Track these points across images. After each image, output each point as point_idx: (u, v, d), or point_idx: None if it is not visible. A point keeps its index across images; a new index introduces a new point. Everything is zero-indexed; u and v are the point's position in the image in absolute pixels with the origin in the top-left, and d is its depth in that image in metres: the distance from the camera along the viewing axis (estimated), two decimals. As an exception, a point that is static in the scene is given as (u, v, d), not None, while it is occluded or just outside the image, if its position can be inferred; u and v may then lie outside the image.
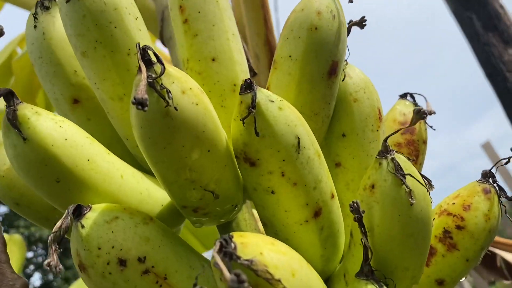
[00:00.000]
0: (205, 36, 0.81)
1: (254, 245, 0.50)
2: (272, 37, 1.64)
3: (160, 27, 1.32)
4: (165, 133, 0.57)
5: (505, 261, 2.39)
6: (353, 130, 0.79)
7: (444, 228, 0.77)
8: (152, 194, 0.73)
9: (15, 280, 0.71)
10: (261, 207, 0.69)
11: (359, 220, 0.63)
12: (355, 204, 0.62)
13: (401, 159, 0.64)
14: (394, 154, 0.64)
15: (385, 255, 0.65)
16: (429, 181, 0.65)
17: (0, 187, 0.75)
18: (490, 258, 2.43)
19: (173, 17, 0.83)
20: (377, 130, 0.80)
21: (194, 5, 0.81)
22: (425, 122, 0.94)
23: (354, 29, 0.80)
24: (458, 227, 0.76)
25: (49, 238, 0.57)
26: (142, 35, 0.72)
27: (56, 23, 0.78)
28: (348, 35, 0.79)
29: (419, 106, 0.96)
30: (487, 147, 5.16)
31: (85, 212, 0.62)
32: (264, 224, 0.72)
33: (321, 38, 0.72)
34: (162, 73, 0.55)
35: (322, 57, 0.72)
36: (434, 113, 0.92)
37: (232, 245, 0.49)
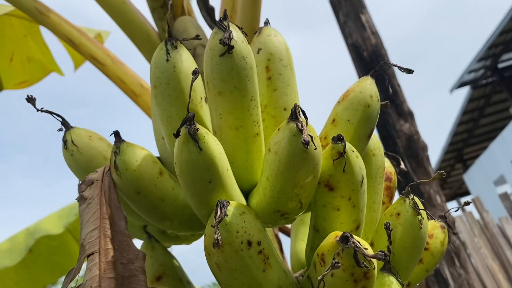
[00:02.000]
0: (281, 92, 1.13)
1: (361, 241, 0.84)
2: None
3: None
4: (302, 162, 0.88)
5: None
6: (370, 174, 1.17)
7: (415, 248, 1.17)
8: (242, 199, 1.02)
9: (138, 251, 0.93)
10: (322, 219, 1.03)
11: (389, 235, 0.99)
12: (388, 224, 0.99)
13: (416, 200, 1.03)
14: (414, 196, 1.03)
15: (398, 258, 1.03)
16: (430, 215, 1.05)
17: (131, 178, 0.97)
18: None
19: (259, 73, 1.13)
20: (382, 177, 1.19)
21: (277, 68, 1.13)
22: (398, 174, 1.36)
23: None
24: (425, 249, 1.17)
25: (215, 221, 0.84)
26: (257, 87, 1.02)
27: (183, 60, 1.04)
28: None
29: (394, 162, 1.37)
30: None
31: (227, 206, 0.89)
32: (316, 230, 1.05)
33: (371, 113, 1.09)
34: (306, 124, 0.88)
35: (368, 125, 1.10)
36: (405, 169, 1.35)
37: (355, 241, 0.82)
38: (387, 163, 1.35)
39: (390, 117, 3.52)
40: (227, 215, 0.88)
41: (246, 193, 1.08)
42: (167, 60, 1.03)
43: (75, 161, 1.10)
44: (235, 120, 1.00)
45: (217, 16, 1.70)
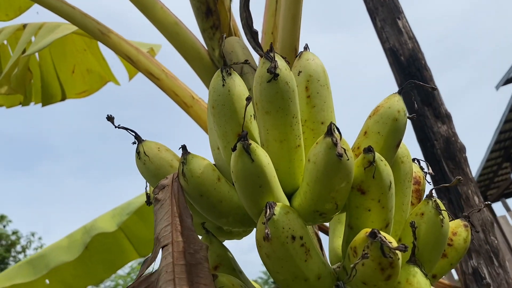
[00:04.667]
0: (319, 108, 1.31)
1: (387, 236, 1.01)
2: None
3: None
4: (336, 170, 1.06)
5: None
6: (399, 179, 1.33)
7: (440, 244, 1.33)
8: (286, 201, 1.21)
9: (202, 243, 1.14)
10: (355, 218, 1.20)
11: (414, 232, 1.16)
12: (413, 222, 1.16)
13: (438, 201, 1.19)
14: (436, 198, 1.19)
15: (422, 252, 1.19)
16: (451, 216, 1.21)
17: (196, 183, 1.18)
18: None
19: (299, 92, 1.32)
20: (410, 181, 1.35)
21: (315, 88, 1.32)
22: (425, 178, 1.51)
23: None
24: (449, 245, 1.32)
25: (265, 219, 1.03)
26: (298, 106, 1.21)
27: (236, 85, 1.24)
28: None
29: (422, 167, 1.53)
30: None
31: (274, 206, 1.08)
32: (350, 228, 1.23)
33: (399, 126, 1.26)
34: (340, 138, 1.06)
35: (396, 137, 1.26)
36: (433, 173, 1.50)
37: (381, 235, 0.99)
38: (416, 168, 1.51)
39: (428, 120, 3.61)
40: (274, 214, 1.07)
41: (289, 196, 1.26)
42: (223, 85, 1.23)
43: (147, 169, 1.32)
44: (279, 134, 1.19)
45: (260, 37, 1.89)
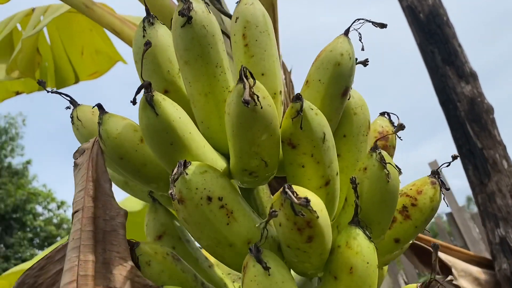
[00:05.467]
0: (259, 57, 1.18)
1: (303, 192, 0.88)
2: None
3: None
4: (250, 121, 0.93)
5: (439, 259, 2.90)
6: (351, 133, 1.18)
7: (403, 204, 1.17)
8: (218, 160, 1.09)
9: (119, 209, 1.05)
10: (292, 176, 1.07)
11: (354, 189, 1.01)
12: (353, 178, 1.01)
13: (384, 154, 1.03)
14: (380, 150, 1.03)
15: (367, 212, 1.04)
16: (399, 169, 1.05)
17: (113, 145, 1.09)
18: (427, 254, 2.92)
19: (236, 41, 1.19)
20: (366, 135, 1.20)
21: (253, 35, 1.18)
22: (396, 134, 1.34)
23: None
24: (413, 205, 1.16)
25: (171, 176, 0.92)
26: (224, 54, 1.08)
27: (159, 35, 1.12)
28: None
29: (392, 121, 1.36)
30: (434, 165, 5.73)
31: (188, 165, 0.97)
32: (290, 188, 1.09)
33: (341, 71, 1.10)
34: (254, 84, 0.92)
35: (340, 84, 1.11)
36: (405, 127, 1.33)
37: (294, 190, 0.86)
38: (385, 122, 1.34)
39: (450, 80, 3.33)
40: (187, 174, 0.96)
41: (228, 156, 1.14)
42: (143, 36, 1.12)
43: (80, 134, 1.24)
44: (202, 87, 1.07)
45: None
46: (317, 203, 0.89)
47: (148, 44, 1.01)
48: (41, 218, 20.27)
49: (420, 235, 2.98)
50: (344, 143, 1.19)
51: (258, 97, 0.92)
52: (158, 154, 1.02)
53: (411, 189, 1.18)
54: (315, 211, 0.87)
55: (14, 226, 17.94)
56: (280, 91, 1.19)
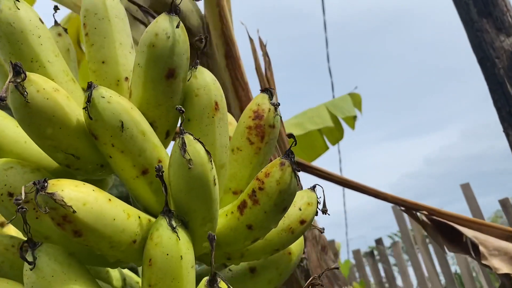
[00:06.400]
0: (99, 45, 1.15)
1: (59, 185, 0.86)
2: (227, 29, 1.93)
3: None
4: (26, 116, 0.93)
5: (470, 240, 2.61)
6: (195, 116, 1.11)
7: (252, 188, 1.07)
8: (44, 157, 1.09)
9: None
10: (110, 168, 1.04)
11: (160, 177, 0.95)
12: (157, 166, 0.95)
13: (188, 138, 0.95)
14: (185, 135, 0.95)
15: (178, 201, 0.98)
16: (209, 153, 0.97)
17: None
18: (458, 234, 2.65)
19: (82, 31, 1.17)
20: (213, 117, 1.11)
21: (92, 23, 1.15)
22: (276, 111, 1.22)
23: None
24: (260, 188, 1.06)
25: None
26: (44, 48, 1.07)
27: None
28: (204, 48, 1.10)
29: (273, 99, 1.24)
30: None
31: (-8, 163, 0.99)
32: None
33: (158, 52, 1.03)
34: (24, 79, 0.91)
35: (159, 66, 1.04)
36: (279, 104, 1.21)
37: (45, 184, 0.84)
38: (261, 100, 1.23)
39: (487, 34, 2.91)
40: (-12, 171, 0.99)
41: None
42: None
43: None
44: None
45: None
46: (76, 197, 0.86)
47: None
48: None
49: (446, 211, 2.69)
50: (190, 128, 1.12)
51: (25, 91, 0.91)
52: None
53: (262, 171, 1.08)
54: (69, 206, 0.84)
55: None
56: (126, 78, 1.15)
